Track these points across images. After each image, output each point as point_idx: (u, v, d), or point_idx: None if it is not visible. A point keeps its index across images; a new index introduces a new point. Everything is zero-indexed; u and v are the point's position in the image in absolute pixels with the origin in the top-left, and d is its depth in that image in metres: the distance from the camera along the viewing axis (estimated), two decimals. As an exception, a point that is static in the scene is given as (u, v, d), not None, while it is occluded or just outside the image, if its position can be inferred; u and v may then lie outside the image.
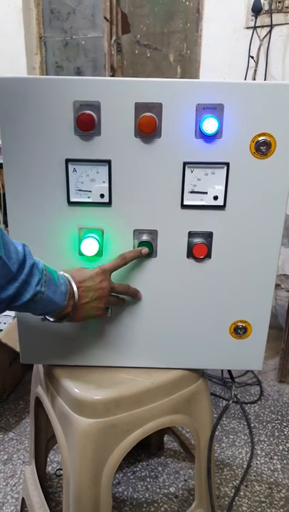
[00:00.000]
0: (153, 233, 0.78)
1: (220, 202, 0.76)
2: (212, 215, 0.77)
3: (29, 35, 2.44)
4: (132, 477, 1.34)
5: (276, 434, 1.53)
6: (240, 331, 0.85)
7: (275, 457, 1.42)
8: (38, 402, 1.02)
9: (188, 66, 2.22)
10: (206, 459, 0.96)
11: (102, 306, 0.76)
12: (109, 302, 0.78)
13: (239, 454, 1.43)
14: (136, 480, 1.33)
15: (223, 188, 0.75)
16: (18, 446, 1.45)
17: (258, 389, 1.77)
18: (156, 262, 0.80)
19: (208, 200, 0.76)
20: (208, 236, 0.78)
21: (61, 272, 0.70)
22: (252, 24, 1.92)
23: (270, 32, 1.90)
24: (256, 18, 1.90)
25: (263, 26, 1.91)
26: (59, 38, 2.45)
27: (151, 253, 0.79)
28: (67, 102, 0.70)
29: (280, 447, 1.46)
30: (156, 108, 0.70)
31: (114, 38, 2.28)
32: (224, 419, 1.59)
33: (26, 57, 2.43)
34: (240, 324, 0.85)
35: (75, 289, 0.70)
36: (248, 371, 1.89)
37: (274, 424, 1.57)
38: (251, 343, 0.86)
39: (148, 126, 0.70)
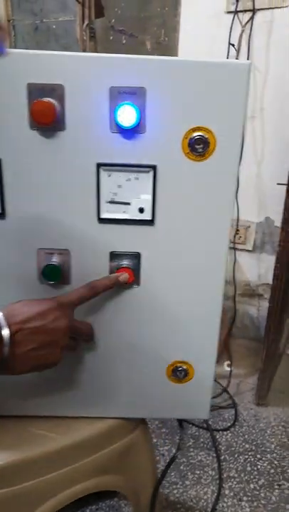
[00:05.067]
0: (63, 254, 0.60)
1: (147, 215, 0.58)
2: (138, 232, 0.60)
3: (-4, 19, 2.24)
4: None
5: (248, 468, 1.35)
6: (179, 373, 0.68)
7: (245, 498, 1.25)
8: None
9: (166, 54, 2.04)
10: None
11: (59, 353, 0.57)
12: (69, 347, 0.61)
13: (204, 495, 1.26)
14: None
15: (151, 198, 0.57)
16: None
17: (233, 413, 1.60)
18: (70, 290, 0.62)
19: (132, 213, 0.58)
20: (135, 258, 0.61)
21: None
22: (233, 8, 1.73)
23: (252, 17, 1.71)
24: (238, 1, 1.71)
25: (245, 11, 1.72)
26: (28, 21, 2.26)
27: (63, 279, 0.61)
28: None
29: (251, 486, 1.29)
30: (57, 91, 0.53)
31: (86, 22, 2.09)
32: (191, 450, 1.42)
33: (-7, 43, 2.23)
34: (179, 366, 0.68)
35: (5, 333, 0.51)
36: (223, 391, 1.72)
37: (247, 457, 1.40)
38: (194, 387, 0.70)
39: (44, 114, 0.52)
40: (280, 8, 1.69)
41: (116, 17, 2.08)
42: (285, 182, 1.39)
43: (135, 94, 0.52)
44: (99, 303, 0.63)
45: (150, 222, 0.59)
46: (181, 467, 1.35)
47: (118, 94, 0.52)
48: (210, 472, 1.34)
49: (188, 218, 0.59)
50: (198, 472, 1.34)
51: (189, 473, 1.33)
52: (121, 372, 0.69)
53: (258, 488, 1.29)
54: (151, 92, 0.53)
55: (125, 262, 0.61)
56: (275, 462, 1.38)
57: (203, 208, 0.59)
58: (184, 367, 0.68)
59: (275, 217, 1.83)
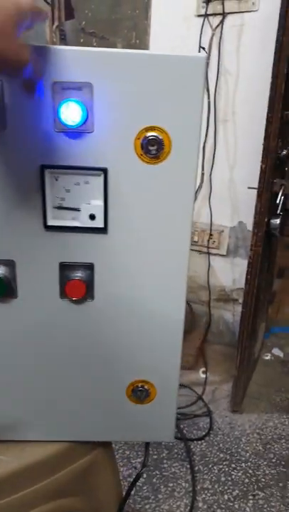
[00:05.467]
0: (8, 265, 0.56)
1: (99, 223, 0.54)
2: (90, 241, 0.55)
3: None
4: None
5: (222, 479, 1.32)
6: (140, 393, 0.63)
7: (218, 510, 1.21)
8: None
9: (137, 58, 2.01)
10: None
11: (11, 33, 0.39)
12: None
13: (177, 509, 1.22)
14: None
15: (102, 204, 0.53)
16: None
17: (208, 421, 1.57)
18: (18, 305, 0.57)
19: (83, 220, 0.54)
20: (88, 269, 0.57)
21: None
22: (203, 12, 1.72)
23: (222, 21, 1.70)
24: (207, 5, 1.70)
25: (215, 14, 1.71)
26: (-3, 23, 2.19)
27: (8, 292, 0.56)
28: None
29: (225, 496, 1.26)
30: (-8, 85, 0.48)
31: (56, 24, 2.05)
32: (165, 461, 1.38)
33: None
34: (140, 385, 0.63)
35: None
36: (198, 399, 1.68)
37: (221, 467, 1.37)
38: (157, 409, 0.65)
39: (-20, 112, 0.47)
40: (250, 12, 1.69)
41: (86, 19, 2.05)
42: (256, 186, 1.37)
43: (81, 90, 0.48)
44: (52, 319, 0.58)
45: (103, 230, 0.54)
46: (154, 480, 1.31)
47: (62, 90, 0.48)
48: (183, 484, 1.30)
49: (145, 225, 0.55)
50: (171, 485, 1.30)
51: (162, 487, 1.29)
52: (76, 393, 0.64)
53: (232, 499, 1.25)
54: (98, 87, 0.49)
55: (77, 274, 0.56)
56: (250, 471, 1.35)
57: (161, 214, 0.55)
58: (145, 387, 0.63)
59: (248, 221, 1.82)
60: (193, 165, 0.53)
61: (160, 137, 0.51)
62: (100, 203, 0.53)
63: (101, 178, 0.52)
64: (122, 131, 0.51)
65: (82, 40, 2.08)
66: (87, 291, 0.57)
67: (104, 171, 0.52)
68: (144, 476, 1.32)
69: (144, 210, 0.54)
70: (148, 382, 0.63)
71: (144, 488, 1.28)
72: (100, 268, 0.56)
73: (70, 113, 0.48)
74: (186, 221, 0.55)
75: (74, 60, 0.48)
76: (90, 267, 0.56)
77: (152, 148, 0.51)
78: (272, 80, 1.31)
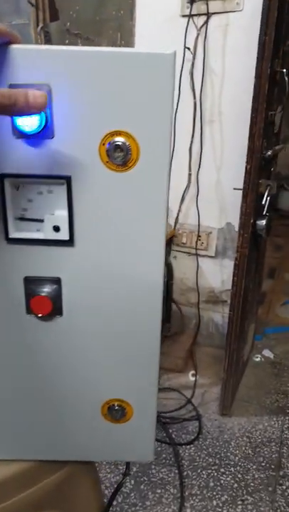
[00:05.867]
0: None
1: (64, 235, 0.51)
2: (56, 254, 0.53)
3: None
4: None
5: (211, 484, 1.31)
6: (116, 412, 0.61)
7: (207, 517, 1.20)
8: None
9: (123, 59, 1.99)
10: None
11: None
12: None
13: (164, 515, 1.20)
14: None
15: (67, 215, 0.51)
16: None
17: (197, 425, 1.55)
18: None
19: (47, 232, 0.51)
20: (54, 283, 0.54)
21: None
22: (188, 12, 1.70)
23: (207, 21, 1.69)
24: (192, 5, 1.69)
25: (199, 14, 1.70)
26: (-19, 25, 2.17)
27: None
28: None
29: (214, 502, 1.25)
30: None
31: (41, 25, 2.03)
32: (153, 467, 1.37)
33: None
34: (115, 404, 0.61)
35: None
36: (187, 402, 1.67)
37: (210, 471, 1.35)
38: (135, 428, 0.63)
39: None
40: (234, 12, 1.68)
41: (71, 20, 2.03)
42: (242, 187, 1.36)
43: None
44: (18, 336, 0.56)
45: (69, 243, 0.52)
46: (142, 486, 1.29)
47: (18, 94, 0.46)
48: (172, 490, 1.28)
49: (114, 237, 0.52)
50: (159, 491, 1.28)
51: (150, 493, 1.27)
52: (49, 413, 0.61)
53: (220, 504, 1.24)
54: (57, 89, 0.46)
55: (43, 289, 0.54)
56: (239, 476, 1.34)
57: (131, 225, 0.52)
58: (121, 405, 0.60)
59: (236, 222, 1.80)
60: (164, 172, 0.50)
61: (127, 143, 0.48)
62: (64, 213, 0.50)
63: (64, 188, 0.50)
64: (85, 137, 0.48)
65: (67, 41, 2.05)
66: (55, 306, 0.54)
67: (68, 179, 0.49)
68: (132, 482, 1.30)
69: (112, 220, 0.52)
70: (124, 401, 0.61)
71: (132, 494, 1.26)
72: (68, 282, 0.54)
73: (26, 118, 0.46)
74: (159, 232, 0.52)
75: (30, 60, 0.46)
76: (56, 282, 0.54)
77: (118, 155, 0.48)
78: (256, 80, 1.30)
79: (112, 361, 0.58)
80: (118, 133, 0.48)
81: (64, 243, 0.52)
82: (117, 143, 0.48)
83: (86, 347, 0.57)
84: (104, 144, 0.48)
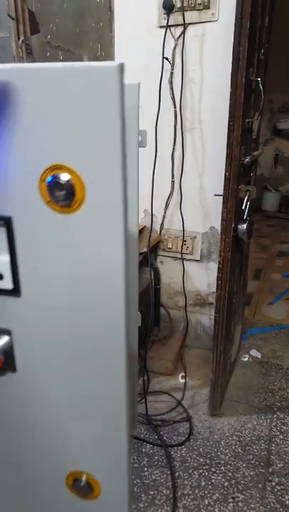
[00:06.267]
0: None
1: (7, 284, 0.47)
2: (4, 305, 0.49)
3: None
4: None
5: (202, 483, 1.34)
6: (81, 489, 0.55)
7: (199, 516, 1.23)
8: None
9: (104, 69, 2.03)
10: None
11: None
12: None
13: (157, 516, 1.23)
14: None
15: (8, 260, 0.46)
16: None
17: (188, 426, 1.59)
18: None
19: None
20: (4, 335, 0.50)
21: None
22: (165, 23, 1.75)
23: (184, 31, 1.73)
24: (168, 16, 1.73)
25: (176, 25, 1.74)
26: None
27: None
28: None
29: (206, 501, 1.28)
30: None
31: (22, 38, 2.06)
32: (145, 469, 1.39)
33: None
34: (79, 478, 0.55)
35: None
36: (178, 404, 1.70)
37: (201, 471, 1.39)
38: (106, 507, 0.56)
39: None
40: (210, 22, 1.73)
41: (52, 33, 2.06)
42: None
43: None
44: None
45: (15, 293, 0.46)
46: (135, 489, 1.32)
47: None
48: (164, 491, 1.31)
49: (65, 283, 0.46)
50: (152, 493, 1.31)
51: (143, 495, 1.30)
52: (10, 479, 0.56)
53: (212, 503, 1.27)
54: None
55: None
56: (230, 474, 1.37)
57: (83, 269, 0.45)
58: (85, 479, 0.54)
59: (219, 226, 1.84)
60: (118, 214, 0.42)
61: (67, 180, 0.41)
62: (6, 258, 0.45)
63: (3, 230, 0.44)
64: (23, 173, 0.42)
65: (48, 54, 2.09)
66: (7, 362, 0.50)
67: (7, 220, 0.44)
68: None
69: (61, 265, 0.45)
70: (87, 474, 0.54)
71: (125, 498, 1.28)
72: (19, 335, 0.49)
73: None
74: (118, 277, 0.44)
75: None
76: (6, 334, 0.50)
77: (59, 194, 0.42)
78: (232, 89, 1.34)
79: (72, 424, 0.50)
80: (58, 167, 0.41)
81: (9, 293, 0.46)
82: (57, 180, 0.42)
83: (44, 407, 0.51)
84: (43, 181, 0.42)
